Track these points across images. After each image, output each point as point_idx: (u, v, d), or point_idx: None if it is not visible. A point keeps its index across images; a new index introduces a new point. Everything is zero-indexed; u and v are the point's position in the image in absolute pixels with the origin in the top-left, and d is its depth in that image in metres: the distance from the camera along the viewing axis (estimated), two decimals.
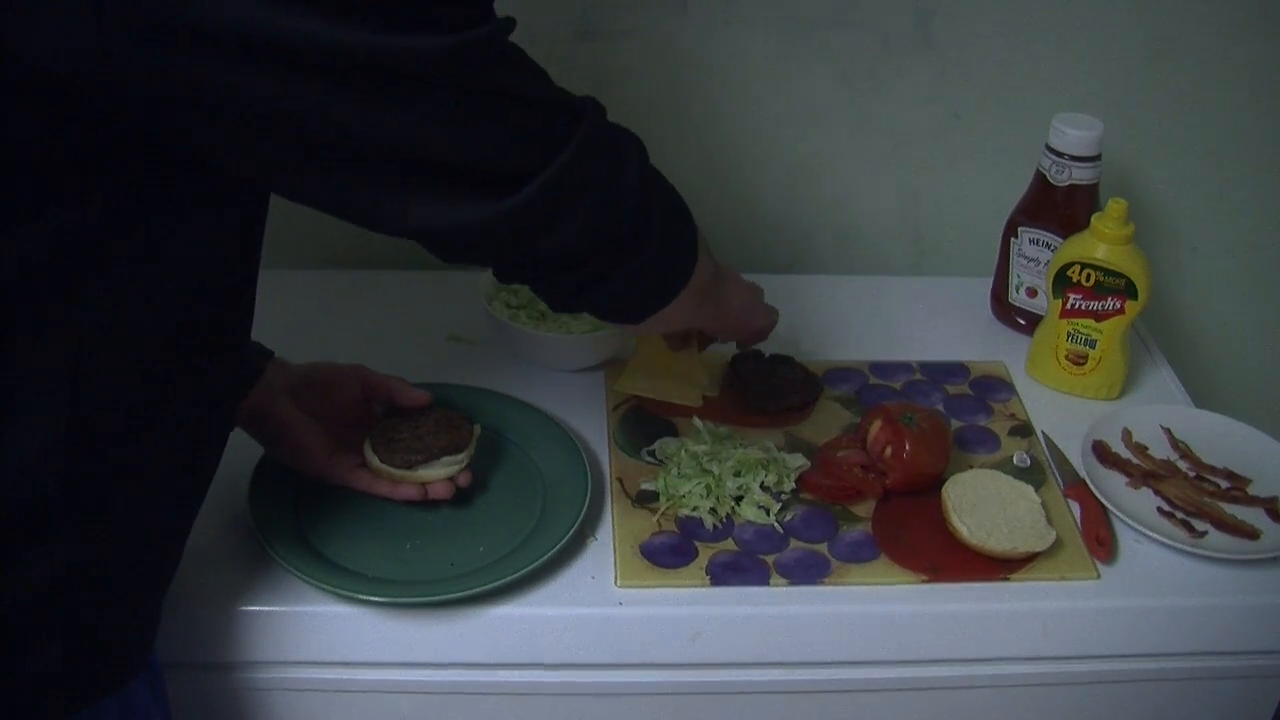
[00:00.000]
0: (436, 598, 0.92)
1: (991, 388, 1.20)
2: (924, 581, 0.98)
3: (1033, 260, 1.26)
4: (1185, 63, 1.33)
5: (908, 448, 1.03)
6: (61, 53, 0.61)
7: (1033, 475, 1.08)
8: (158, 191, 0.69)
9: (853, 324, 1.29)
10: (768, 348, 1.14)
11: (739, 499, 1.03)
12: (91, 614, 0.75)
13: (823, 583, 0.97)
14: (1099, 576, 0.99)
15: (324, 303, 1.27)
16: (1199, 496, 1.06)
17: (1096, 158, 1.21)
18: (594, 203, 0.77)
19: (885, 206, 1.42)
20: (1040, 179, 1.23)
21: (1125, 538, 1.03)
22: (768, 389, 1.14)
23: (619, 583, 0.96)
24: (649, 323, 0.90)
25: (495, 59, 0.71)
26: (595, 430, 1.11)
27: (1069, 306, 1.17)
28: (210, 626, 0.93)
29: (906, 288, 1.37)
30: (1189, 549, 1.01)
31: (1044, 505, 1.03)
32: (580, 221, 0.77)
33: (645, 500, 1.03)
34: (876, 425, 1.06)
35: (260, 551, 0.95)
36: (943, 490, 1.03)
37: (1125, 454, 1.11)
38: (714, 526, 1.01)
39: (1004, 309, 1.31)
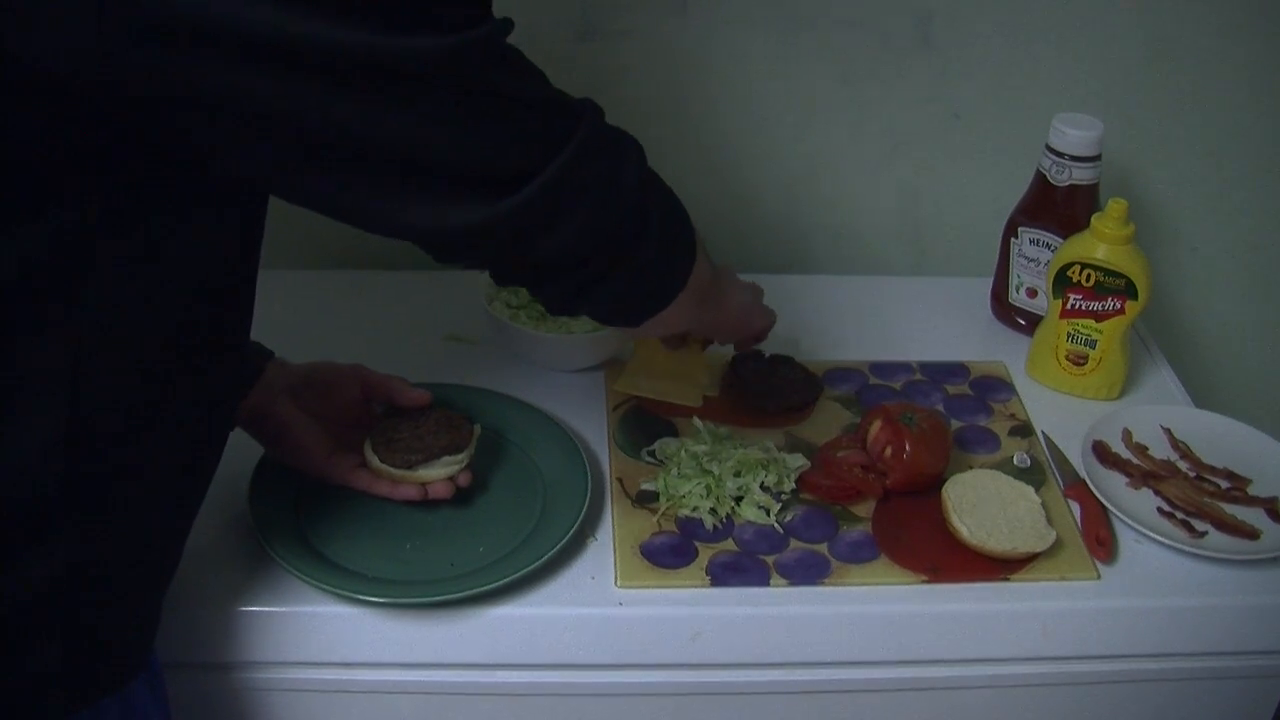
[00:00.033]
0: (436, 598, 0.92)
1: (991, 388, 1.20)
2: (924, 582, 0.98)
3: (1033, 260, 1.26)
4: (1185, 63, 1.33)
5: (908, 448, 1.03)
6: (61, 53, 0.61)
7: (1033, 475, 1.08)
8: (158, 191, 0.69)
9: (852, 324, 1.29)
10: (768, 348, 1.14)
11: (739, 499, 1.03)
12: (91, 614, 0.76)
13: (823, 583, 0.97)
14: (1099, 577, 0.99)
15: (324, 303, 1.27)
16: (1199, 497, 1.06)
17: (1096, 158, 1.21)
18: (592, 204, 0.77)
19: (885, 206, 1.42)
20: (1040, 179, 1.23)
21: (1125, 538, 1.03)
22: (768, 389, 1.14)
23: (619, 583, 0.96)
24: (647, 325, 0.90)
25: (494, 60, 0.71)
26: (595, 430, 1.11)
27: (1069, 307, 1.17)
28: (210, 626, 0.93)
29: (906, 288, 1.37)
30: (1189, 549, 1.01)
31: (1044, 505, 1.03)
32: (578, 223, 0.76)
33: (645, 500, 1.03)
34: (876, 425, 1.06)
35: (260, 551, 0.95)
36: (943, 490, 1.03)
37: (1125, 454, 1.11)
38: (714, 527, 1.01)
39: (1004, 309, 1.31)
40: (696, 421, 1.11)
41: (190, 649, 0.92)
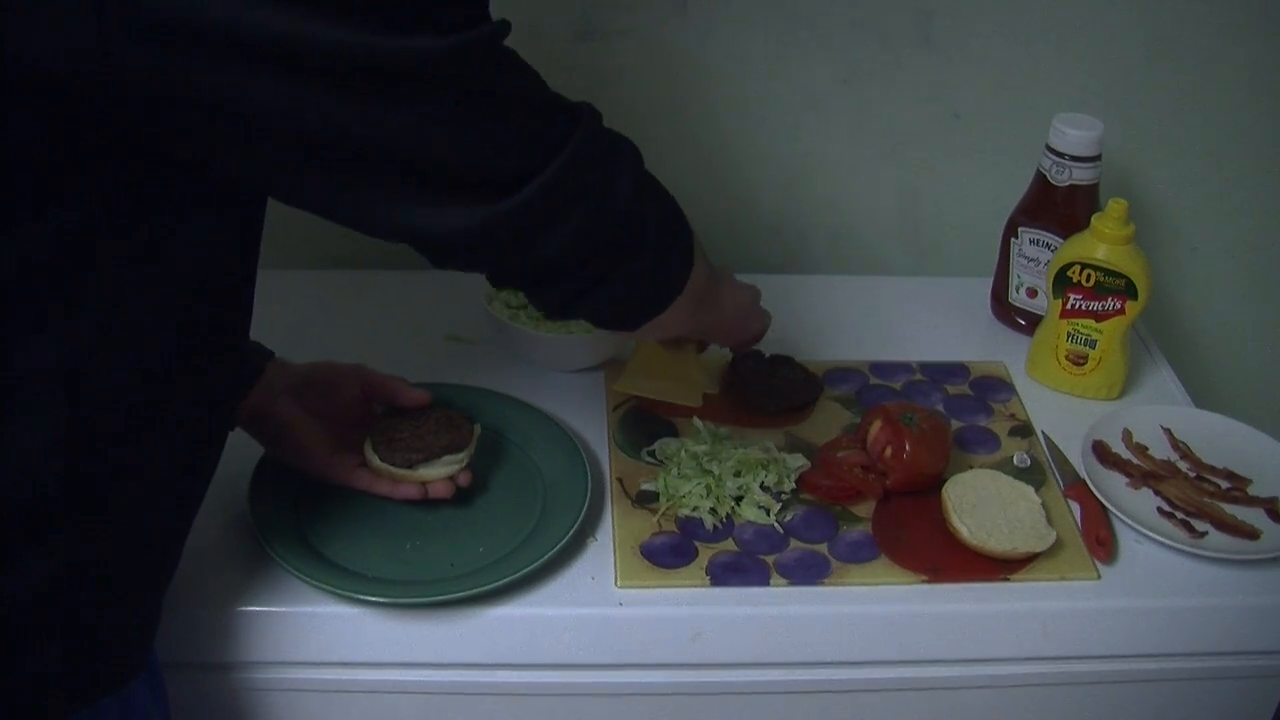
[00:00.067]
0: (436, 598, 0.92)
1: (991, 388, 1.20)
2: (924, 582, 0.98)
3: (1033, 260, 1.26)
4: (1185, 63, 1.33)
5: (908, 448, 1.03)
6: (61, 53, 0.61)
7: (1033, 475, 1.08)
8: (158, 191, 0.69)
9: (852, 324, 1.29)
10: (768, 348, 1.14)
11: (739, 499, 1.03)
12: (91, 614, 0.76)
13: (823, 583, 0.97)
14: (1099, 577, 0.99)
15: (324, 303, 1.27)
16: (1199, 497, 1.06)
17: (1096, 158, 1.21)
18: (589, 206, 0.77)
19: (885, 206, 1.42)
20: (1040, 179, 1.23)
21: (1125, 538, 1.03)
22: (768, 389, 1.14)
23: (619, 583, 0.96)
24: (645, 329, 0.90)
25: (493, 61, 0.71)
26: (595, 430, 1.11)
27: (1069, 307, 1.17)
28: (210, 626, 0.93)
29: (906, 288, 1.37)
30: (1189, 549, 1.01)
31: (1044, 505, 1.03)
32: (575, 225, 0.76)
33: (645, 500, 1.03)
34: (876, 425, 1.06)
35: (260, 551, 0.95)
36: (943, 490, 1.03)
37: (1125, 454, 1.11)
38: (714, 527, 1.01)
39: (1004, 309, 1.31)
40: (696, 421, 1.11)
41: (190, 649, 0.93)
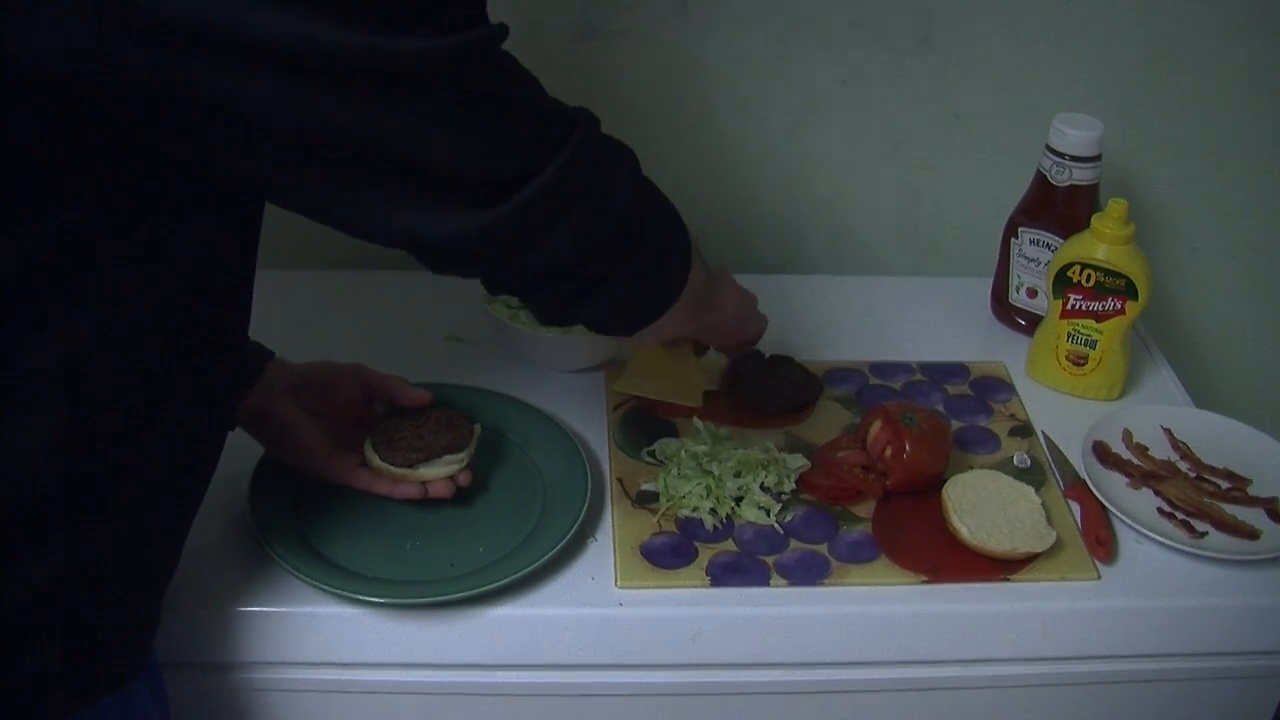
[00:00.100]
0: (436, 598, 0.92)
1: (991, 388, 1.20)
2: (924, 582, 0.98)
3: (1033, 260, 1.26)
4: (1185, 63, 1.33)
5: (908, 448, 1.03)
6: (61, 53, 0.61)
7: (1033, 476, 1.08)
8: (158, 191, 0.69)
9: (852, 324, 1.29)
10: (768, 348, 1.14)
11: (739, 499, 1.03)
12: (91, 614, 0.76)
13: (823, 583, 0.97)
14: (1099, 577, 0.99)
15: (324, 303, 1.27)
16: (1199, 497, 1.06)
17: (1096, 158, 1.21)
18: (589, 208, 0.77)
19: (885, 206, 1.42)
20: (1040, 179, 1.23)
21: (1125, 538, 1.03)
22: (768, 389, 1.14)
23: (619, 583, 0.96)
24: (641, 333, 0.90)
25: (491, 62, 0.71)
26: (595, 430, 1.11)
27: (1069, 307, 1.17)
28: (210, 626, 0.93)
29: (906, 288, 1.37)
30: (1189, 549, 1.01)
31: (1044, 506, 1.03)
32: (575, 226, 0.76)
33: (645, 501, 1.03)
34: (876, 425, 1.06)
35: (260, 551, 0.95)
36: (943, 491, 1.03)
37: (1125, 454, 1.11)
38: (714, 527, 1.01)
39: (1004, 309, 1.31)
40: (696, 422, 1.11)
41: (190, 649, 0.92)
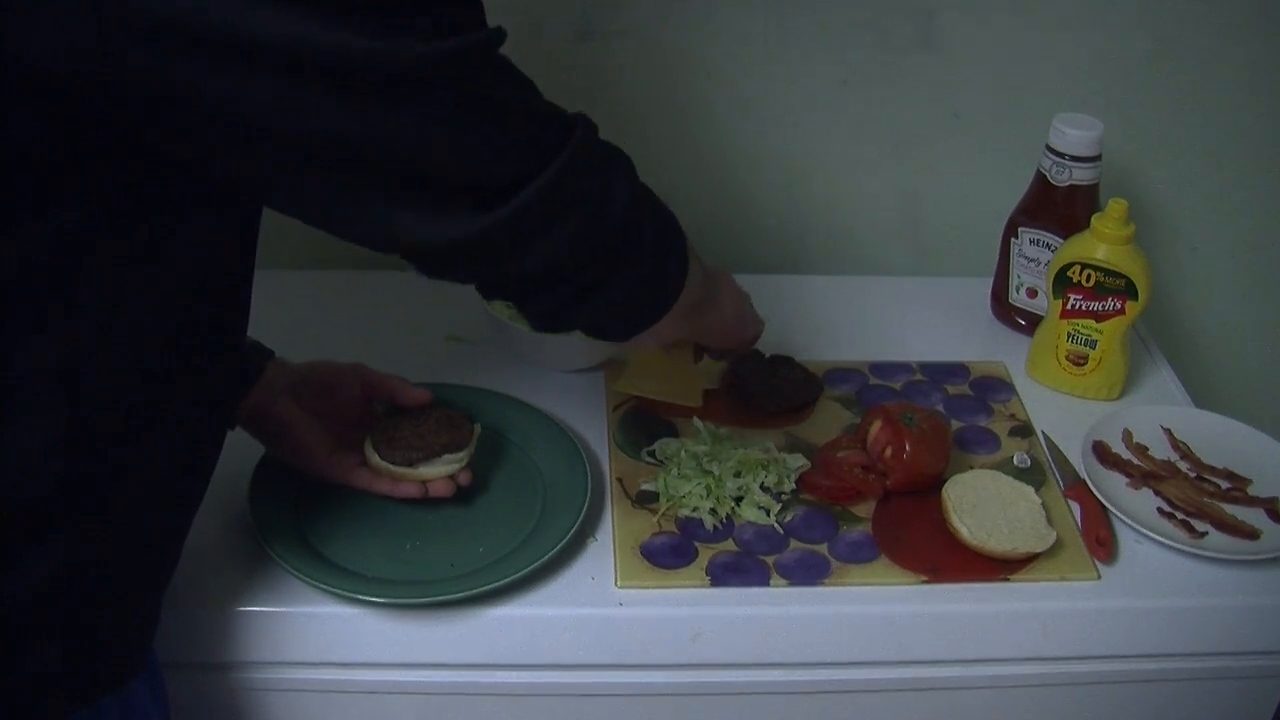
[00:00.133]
0: (436, 598, 0.92)
1: (991, 388, 1.20)
2: (924, 582, 0.98)
3: (1033, 260, 1.26)
4: (1185, 63, 1.33)
5: (908, 448, 1.03)
6: (61, 53, 0.61)
7: (1033, 476, 1.08)
8: (158, 191, 0.69)
9: (852, 324, 1.29)
10: (767, 348, 1.14)
11: (739, 499, 1.03)
12: (91, 614, 0.76)
13: (823, 583, 0.97)
14: (1099, 577, 0.99)
15: (324, 303, 1.27)
16: (1199, 497, 1.06)
17: (1096, 158, 1.20)
18: (586, 212, 0.76)
19: (885, 206, 1.42)
20: (1040, 179, 1.23)
21: (1125, 538, 1.03)
22: (768, 389, 1.14)
23: (619, 583, 0.96)
24: (638, 338, 0.89)
25: (489, 66, 0.71)
26: (595, 430, 1.11)
27: (1069, 307, 1.17)
28: (209, 626, 0.93)
29: (906, 288, 1.37)
30: (1189, 549, 1.00)
31: (1044, 506, 1.03)
32: (572, 230, 0.75)
33: (645, 501, 1.03)
34: (876, 425, 1.06)
35: (260, 551, 0.95)
36: (943, 491, 1.03)
37: (1125, 454, 1.11)
38: (714, 527, 1.01)
39: (1004, 309, 1.31)
40: (696, 422, 1.11)
41: (190, 649, 0.92)
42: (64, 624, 0.74)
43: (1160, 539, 1.01)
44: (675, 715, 1.00)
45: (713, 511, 1.02)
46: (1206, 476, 1.09)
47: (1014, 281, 1.28)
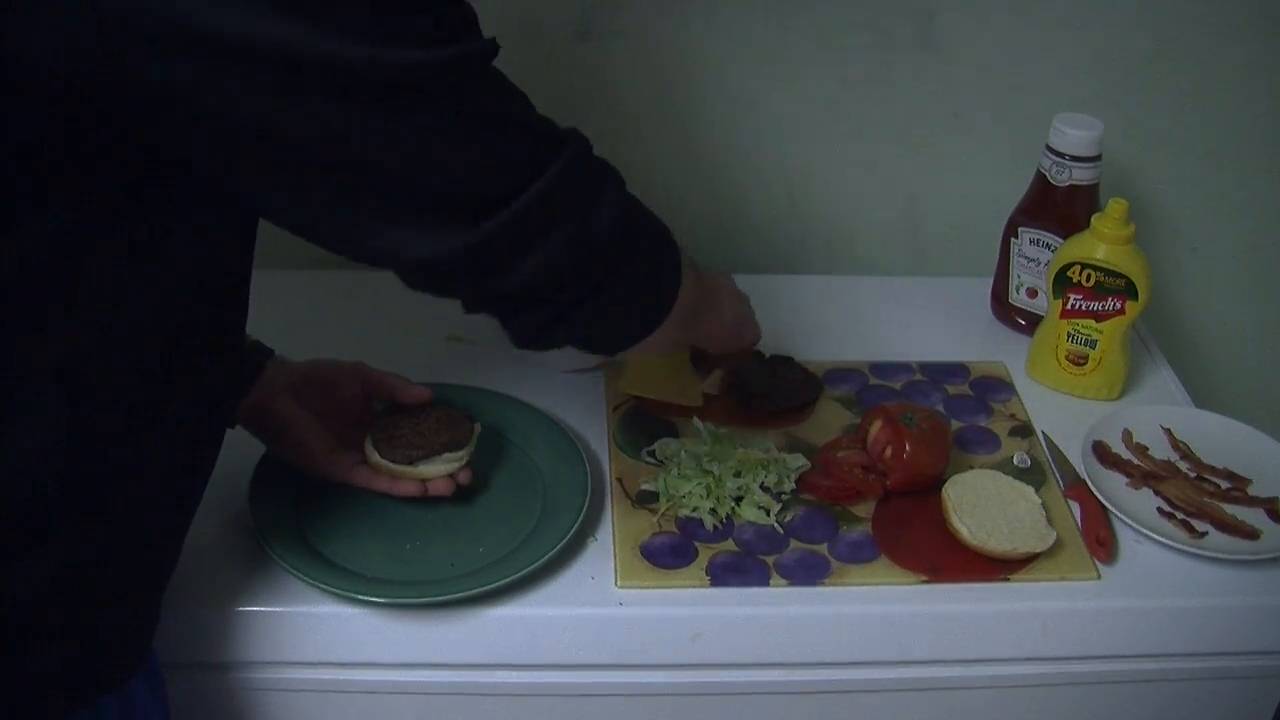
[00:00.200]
0: (436, 598, 0.92)
1: (991, 388, 1.20)
2: (924, 582, 0.98)
3: (1033, 260, 1.26)
4: (1185, 63, 1.33)
5: (908, 448, 1.03)
6: (61, 53, 0.61)
7: (1033, 476, 1.08)
8: (157, 191, 0.69)
9: (853, 324, 1.29)
10: (767, 348, 1.14)
11: (739, 499, 1.03)
12: (91, 613, 0.76)
13: (823, 583, 0.97)
14: (1099, 577, 0.99)
15: (324, 303, 1.27)
16: (1199, 497, 1.06)
17: (1096, 158, 1.20)
18: (571, 231, 0.74)
19: (885, 206, 1.42)
20: (1040, 179, 1.23)
21: (1125, 538, 1.03)
22: (768, 389, 1.14)
23: (619, 583, 0.96)
24: (629, 351, 0.88)
25: (483, 77, 0.70)
26: (595, 430, 1.11)
27: (1069, 307, 1.17)
28: (209, 626, 0.93)
29: (906, 288, 1.37)
30: (1189, 549, 1.00)
31: (1044, 506, 1.03)
32: (557, 249, 0.74)
33: (645, 501, 1.03)
34: (876, 425, 1.06)
35: (260, 551, 0.95)
36: (943, 491, 1.03)
37: (1125, 454, 1.11)
38: (714, 527, 1.01)
39: (1004, 309, 1.31)
40: (696, 422, 1.11)
41: (189, 649, 0.92)
42: (64, 624, 0.74)
43: (1160, 539, 1.01)
44: (675, 715, 1.00)
45: (713, 511, 1.02)
46: (1206, 476, 1.09)
47: (1014, 281, 1.28)
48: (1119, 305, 1.15)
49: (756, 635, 0.96)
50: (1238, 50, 1.33)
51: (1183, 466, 1.10)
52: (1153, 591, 0.99)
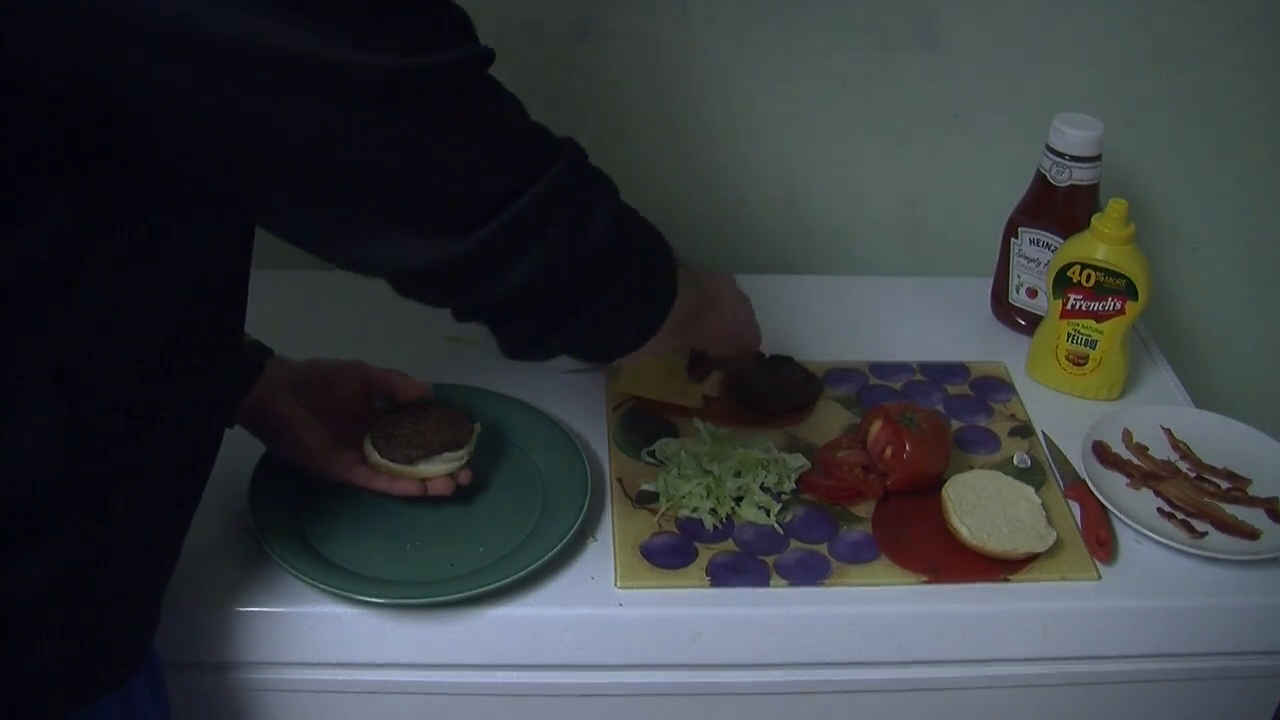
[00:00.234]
0: (436, 598, 0.92)
1: (991, 388, 1.20)
2: (924, 582, 0.98)
3: (1033, 260, 1.26)
4: (1185, 63, 1.33)
5: (908, 448, 1.03)
6: (61, 53, 0.61)
7: (1033, 476, 1.08)
8: (157, 191, 0.69)
9: (853, 324, 1.29)
10: (767, 348, 1.14)
11: (739, 499, 1.03)
12: (91, 613, 0.76)
13: (823, 583, 0.97)
14: (1099, 577, 0.99)
15: (324, 303, 1.27)
16: (1199, 497, 1.06)
17: (1096, 158, 1.20)
18: (563, 241, 0.74)
19: (885, 206, 1.42)
20: (1040, 179, 1.23)
21: (1125, 538, 1.03)
22: (768, 389, 1.14)
23: (619, 583, 0.96)
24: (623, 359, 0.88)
25: (479, 83, 0.70)
26: (595, 430, 1.11)
27: (1069, 307, 1.17)
28: (209, 626, 0.93)
29: (906, 288, 1.37)
30: (1189, 549, 1.00)
31: (1044, 506, 1.03)
32: (547, 258, 0.73)
33: (645, 501, 1.03)
34: (876, 425, 1.06)
35: (259, 551, 0.95)
36: (943, 491, 1.03)
37: (1125, 454, 1.11)
38: (714, 527, 1.01)
39: (1004, 309, 1.31)
40: (696, 422, 1.11)
41: (189, 649, 0.92)
42: (64, 624, 0.74)
43: (1160, 539, 1.01)
44: (675, 715, 1.00)
45: (713, 511, 1.02)
46: (1206, 476, 1.09)
47: (1014, 281, 1.28)
48: (1119, 305, 1.15)
49: (756, 635, 0.96)
50: (1238, 50, 1.33)
51: (1183, 466, 1.10)
52: (1153, 591, 0.99)
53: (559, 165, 0.73)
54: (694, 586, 0.96)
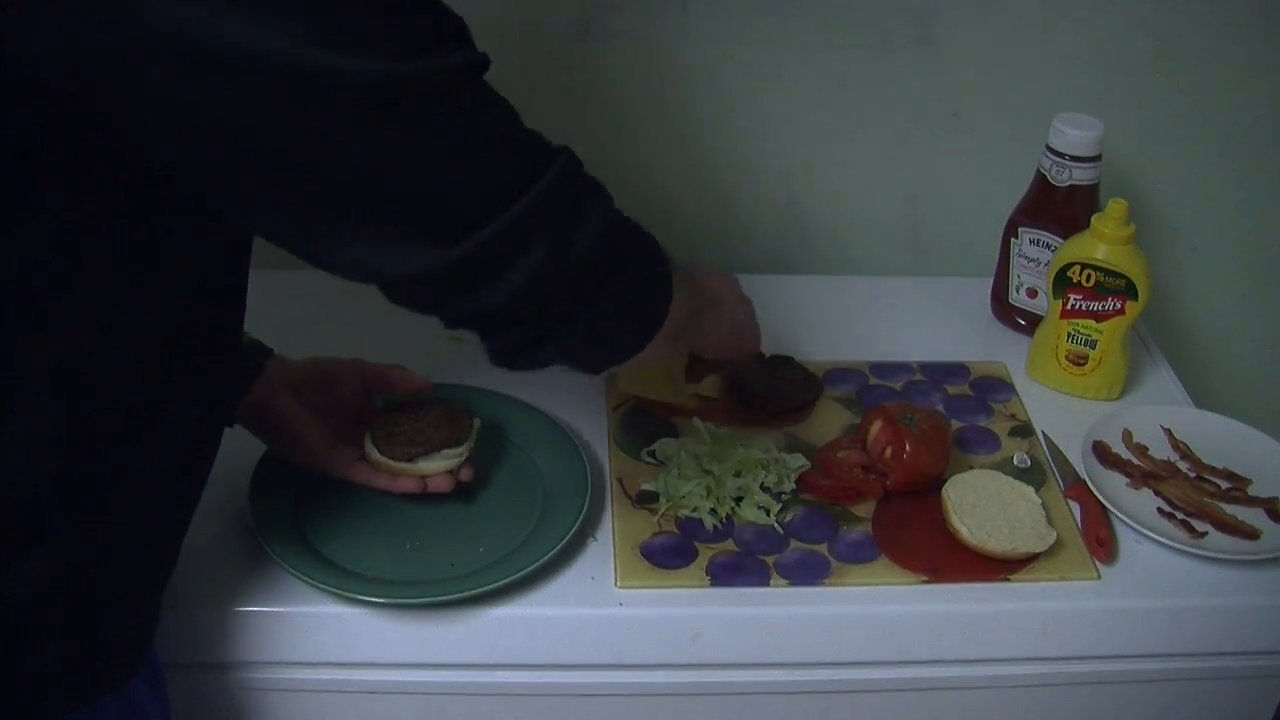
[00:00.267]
0: (436, 598, 0.92)
1: (991, 388, 1.20)
2: (924, 582, 0.98)
3: (1033, 260, 1.26)
4: (1185, 62, 1.33)
5: (908, 448, 1.03)
6: (61, 53, 0.61)
7: (1033, 476, 1.08)
8: (156, 192, 0.69)
9: (853, 324, 1.29)
10: (767, 348, 1.14)
11: (739, 499, 1.03)
12: (91, 613, 0.76)
13: (823, 583, 0.97)
14: (1099, 577, 0.99)
15: (324, 303, 1.27)
16: (1199, 497, 1.06)
17: (1096, 158, 1.20)
18: (554, 250, 0.73)
19: (885, 206, 1.42)
20: (1040, 179, 1.23)
21: (1125, 538, 1.03)
22: (768, 389, 1.14)
23: (619, 583, 0.96)
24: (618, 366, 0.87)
25: (474, 89, 0.70)
26: (595, 430, 1.11)
27: (1069, 307, 1.17)
28: (208, 626, 0.93)
29: (906, 288, 1.37)
30: (1189, 549, 1.00)
31: (1044, 506, 1.03)
32: (538, 266, 0.72)
33: (645, 501, 1.03)
34: (876, 425, 1.06)
35: (259, 551, 0.95)
36: (943, 491, 1.03)
37: (1125, 454, 1.11)
38: (714, 527, 1.01)
39: (1004, 309, 1.31)
40: (696, 422, 1.11)
41: (189, 649, 0.92)
42: (64, 624, 0.74)
43: (1160, 539, 1.01)
44: (675, 715, 1.00)
45: (713, 511, 1.02)
46: (1206, 476, 1.09)
47: (1014, 281, 1.28)
48: (1119, 305, 1.15)
49: (756, 635, 0.96)
50: (1238, 50, 1.33)
51: (1183, 466, 1.10)
52: (1153, 591, 0.99)
53: (551, 174, 0.72)
54: (694, 586, 0.96)
